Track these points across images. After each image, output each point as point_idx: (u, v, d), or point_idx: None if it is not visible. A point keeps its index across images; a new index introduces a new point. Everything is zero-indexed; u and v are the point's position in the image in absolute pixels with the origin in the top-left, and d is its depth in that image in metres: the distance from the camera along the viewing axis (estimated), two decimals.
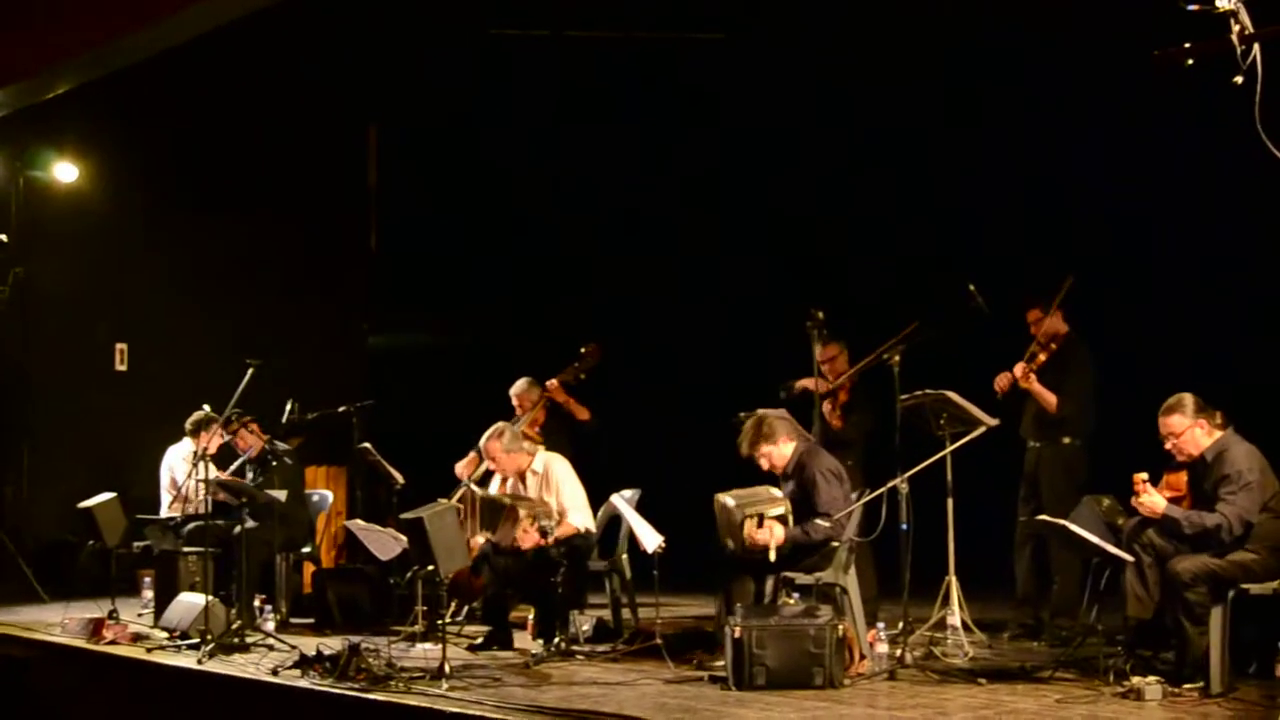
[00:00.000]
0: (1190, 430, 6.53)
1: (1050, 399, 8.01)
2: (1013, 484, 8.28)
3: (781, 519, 7.03)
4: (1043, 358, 8.08)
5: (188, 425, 9.52)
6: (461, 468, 9.16)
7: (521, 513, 7.86)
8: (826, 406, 8.55)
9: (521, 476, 8.28)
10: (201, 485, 8.57)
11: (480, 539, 8.18)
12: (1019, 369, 8.05)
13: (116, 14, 8.57)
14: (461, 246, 13.19)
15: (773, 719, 5.71)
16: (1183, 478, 6.71)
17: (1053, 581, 8.02)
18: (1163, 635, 6.54)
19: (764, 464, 7.38)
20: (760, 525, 6.98)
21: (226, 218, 12.21)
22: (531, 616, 8.16)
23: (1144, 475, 6.52)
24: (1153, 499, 6.46)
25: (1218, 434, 6.55)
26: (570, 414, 9.18)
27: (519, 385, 9.31)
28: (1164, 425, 6.58)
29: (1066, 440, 8.04)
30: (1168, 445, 6.61)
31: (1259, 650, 6.45)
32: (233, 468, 9.40)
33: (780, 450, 7.34)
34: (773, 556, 6.95)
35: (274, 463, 9.19)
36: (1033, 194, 10.23)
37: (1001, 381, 8.07)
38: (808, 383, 8.44)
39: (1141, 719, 5.72)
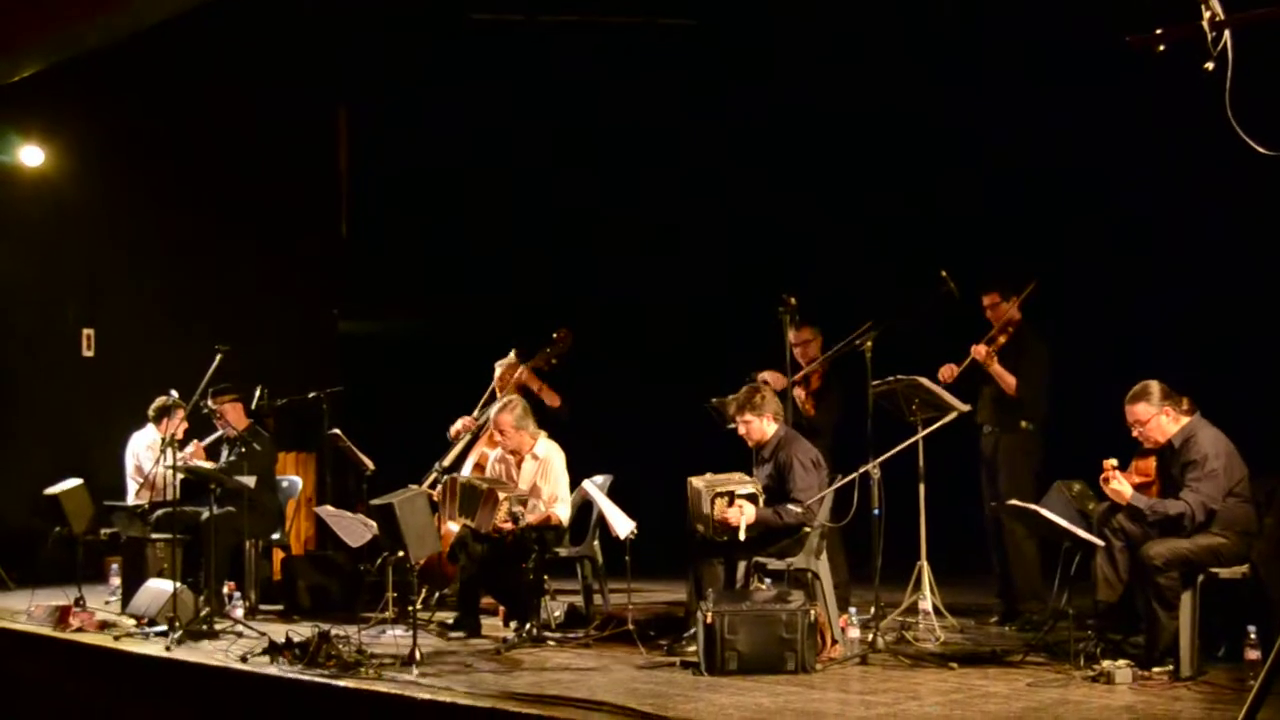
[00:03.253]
0: (1156, 418, 6.55)
1: (1010, 380, 8.08)
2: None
3: (751, 498, 7.03)
4: (1002, 340, 8.13)
5: (150, 411, 9.47)
6: (456, 430, 9.12)
7: (501, 496, 7.84)
8: (799, 394, 8.55)
9: (518, 457, 8.25)
10: (169, 472, 8.51)
11: (455, 525, 8.14)
12: (981, 350, 8.08)
13: None
14: (432, 232, 13.12)
15: (744, 704, 5.69)
16: (1151, 463, 6.74)
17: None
18: (1132, 618, 6.58)
19: (741, 430, 7.43)
20: (730, 504, 6.98)
21: (195, 202, 12.13)
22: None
23: (1114, 461, 6.54)
24: (1120, 485, 6.48)
25: (1184, 420, 6.57)
26: (540, 401, 9.15)
27: (505, 360, 9.29)
28: (1130, 413, 6.62)
29: (1024, 425, 8.08)
30: (1134, 433, 6.65)
31: (1228, 634, 6.50)
32: (207, 441, 9.34)
33: (762, 424, 7.37)
34: (742, 536, 6.95)
35: (244, 449, 9.15)
36: (998, 178, 10.22)
37: (945, 373, 8.06)
38: (770, 376, 8.40)
39: (1111, 702, 5.72)
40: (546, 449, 8.24)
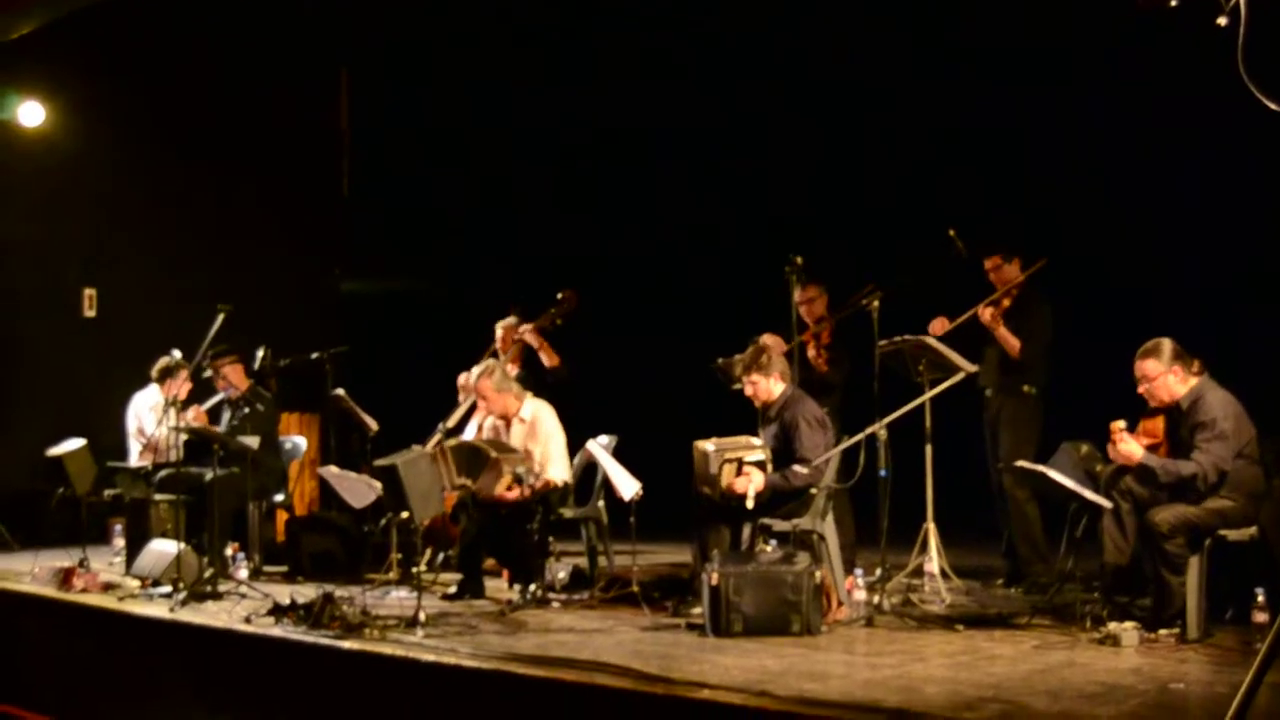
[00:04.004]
0: (1164, 376, 6.49)
1: (1014, 343, 8.02)
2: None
3: (760, 465, 6.99)
4: (1006, 303, 8.09)
5: (153, 372, 9.43)
6: (464, 380, 9.11)
7: (505, 467, 7.79)
8: (810, 351, 8.50)
9: (507, 421, 8.20)
10: (172, 433, 8.48)
11: (458, 486, 8.11)
12: (987, 313, 8.03)
13: None
14: (434, 190, 13.05)
15: (750, 666, 5.67)
16: (1159, 424, 6.68)
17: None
18: (1140, 581, 6.55)
19: (748, 390, 7.40)
20: (739, 472, 6.94)
21: (197, 161, 12.07)
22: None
23: (1122, 424, 6.49)
24: (1129, 446, 6.43)
25: (1193, 381, 6.51)
26: (540, 361, 9.11)
27: (506, 321, 9.24)
28: (1139, 368, 6.56)
29: (1025, 389, 8.03)
30: (1140, 389, 6.59)
31: (1236, 596, 6.47)
32: (208, 404, 9.31)
33: (769, 384, 7.34)
34: (750, 504, 6.92)
35: (247, 409, 9.11)
36: (1003, 138, 10.13)
37: (936, 326, 8.00)
38: (771, 340, 8.32)
39: (1118, 664, 5.70)
40: (533, 409, 8.19)
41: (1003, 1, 9.61)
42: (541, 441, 8.07)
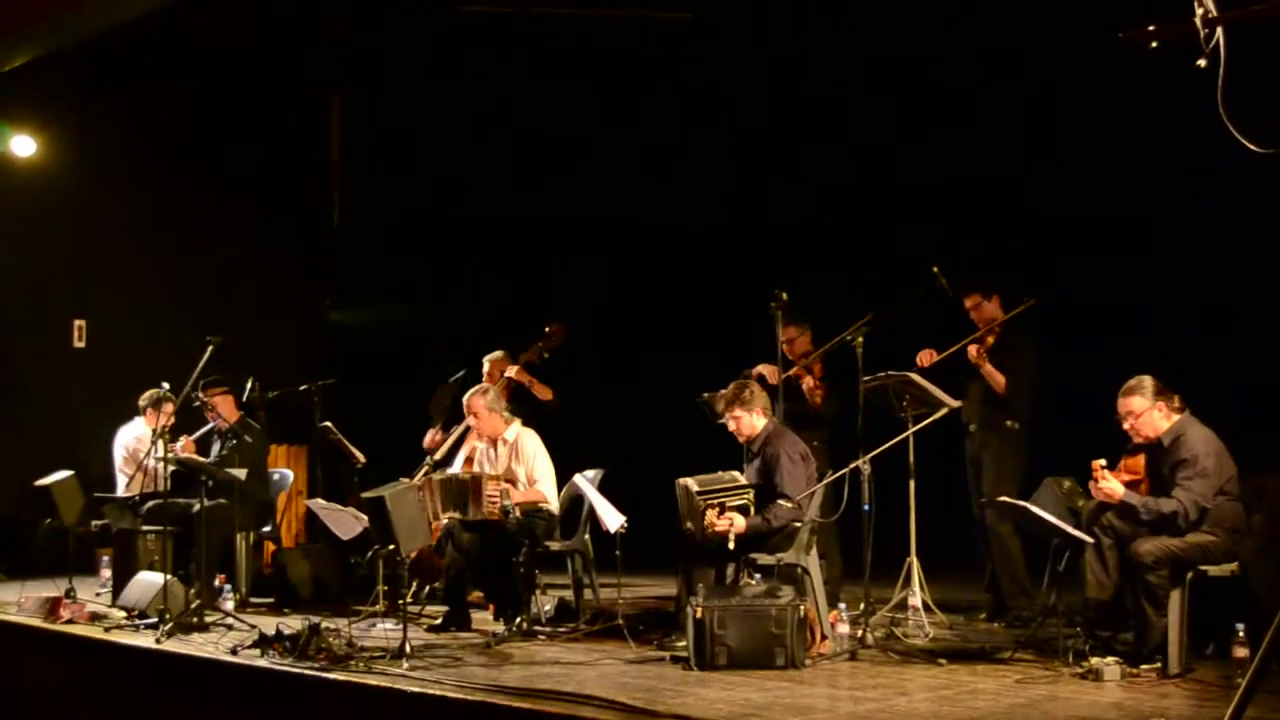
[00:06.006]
0: (1149, 412, 6.57)
1: (1000, 379, 8.05)
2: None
3: (743, 510, 7.01)
4: (990, 340, 8.14)
5: (141, 403, 9.43)
6: (429, 440, 9.16)
7: (486, 477, 7.88)
8: (808, 383, 8.54)
9: (494, 443, 8.28)
10: (160, 464, 8.50)
11: (444, 520, 8.14)
12: (973, 350, 8.07)
13: None
14: (425, 220, 13.08)
15: (734, 699, 5.69)
16: (1140, 461, 6.73)
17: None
18: (1121, 616, 6.59)
19: (730, 426, 7.44)
20: (721, 514, 6.97)
21: (187, 191, 12.09)
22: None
23: (1102, 461, 6.54)
24: (1110, 485, 6.47)
25: (1175, 417, 6.58)
26: (533, 395, 9.16)
27: (494, 355, 9.30)
28: (1123, 405, 6.63)
29: (1009, 424, 8.07)
30: (1126, 425, 6.65)
31: (1217, 631, 6.50)
32: (198, 435, 9.32)
33: (751, 419, 7.38)
34: (731, 546, 6.94)
35: (236, 441, 9.13)
36: (988, 176, 10.18)
37: (924, 358, 8.05)
38: (766, 370, 8.40)
39: (1100, 699, 5.73)
40: (517, 432, 8.31)
41: (994, 34, 9.68)
42: (526, 461, 8.18)
